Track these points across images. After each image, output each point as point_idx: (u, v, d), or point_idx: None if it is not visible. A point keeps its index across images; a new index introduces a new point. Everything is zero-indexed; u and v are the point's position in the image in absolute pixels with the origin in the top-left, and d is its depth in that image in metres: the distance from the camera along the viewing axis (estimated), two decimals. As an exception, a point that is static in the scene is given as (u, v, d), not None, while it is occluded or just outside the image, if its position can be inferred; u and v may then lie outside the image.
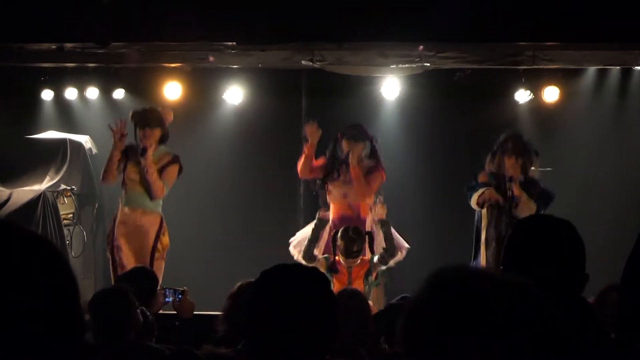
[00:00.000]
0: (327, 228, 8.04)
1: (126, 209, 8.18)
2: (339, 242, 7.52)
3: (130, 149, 8.19)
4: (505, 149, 7.66)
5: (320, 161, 8.28)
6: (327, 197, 8.23)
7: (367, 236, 7.64)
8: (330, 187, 8.21)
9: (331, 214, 8.12)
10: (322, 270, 7.49)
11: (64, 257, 1.51)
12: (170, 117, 8.28)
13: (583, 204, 9.57)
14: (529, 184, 7.65)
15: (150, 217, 8.14)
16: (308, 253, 7.76)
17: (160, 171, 8.14)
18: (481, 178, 7.76)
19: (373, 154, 8.22)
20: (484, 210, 7.73)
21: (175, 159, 8.24)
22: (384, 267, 7.73)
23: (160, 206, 8.24)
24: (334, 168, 8.17)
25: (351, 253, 7.49)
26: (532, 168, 7.76)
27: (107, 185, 8.52)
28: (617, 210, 9.87)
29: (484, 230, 7.74)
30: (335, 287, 7.11)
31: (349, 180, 8.11)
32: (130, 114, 8.22)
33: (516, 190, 7.52)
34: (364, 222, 8.01)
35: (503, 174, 7.64)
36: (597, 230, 8.30)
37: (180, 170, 8.28)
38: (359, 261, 7.55)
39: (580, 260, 2.79)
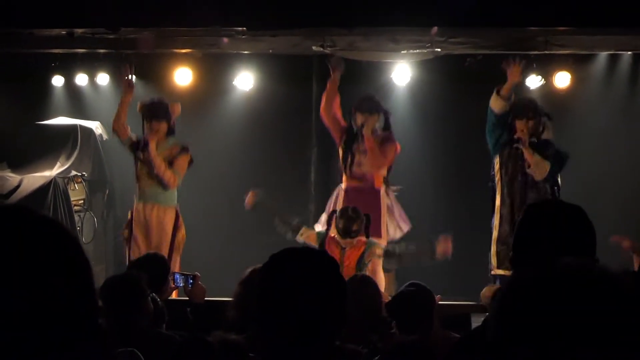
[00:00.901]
0: (338, 191, 8.08)
1: (141, 204, 8.17)
2: (338, 220, 7.46)
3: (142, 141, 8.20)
4: (517, 112, 7.76)
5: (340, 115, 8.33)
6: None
7: (365, 218, 7.63)
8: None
9: (344, 183, 8.12)
10: (313, 242, 7.51)
11: (76, 239, 1.51)
12: (177, 110, 8.26)
13: (594, 189, 9.55)
14: (543, 145, 7.74)
15: (166, 212, 8.13)
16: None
17: (171, 163, 8.12)
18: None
19: (387, 126, 8.27)
20: (497, 168, 7.82)
21: (184, 150, 8.21)
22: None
23: (175, 199, 8.22)
24: (349, 140, 8.20)
25: (350, 232, 7.42)
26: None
27: (117, 134, 8.34)
28: (628, 195, 9.85)
29: (498, 184, 7.86)
30: None
31: (363, 150, 8.11)
32: (139, 106, 8.21)
33: (526, 153, 7.63)
34: (377, 192, 8.02)
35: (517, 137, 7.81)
36: (608, 216, 8.28)
37: (190, 161, 8.25)
38: (355, 242, 7.46)
39: (591, 246, 2.78)
